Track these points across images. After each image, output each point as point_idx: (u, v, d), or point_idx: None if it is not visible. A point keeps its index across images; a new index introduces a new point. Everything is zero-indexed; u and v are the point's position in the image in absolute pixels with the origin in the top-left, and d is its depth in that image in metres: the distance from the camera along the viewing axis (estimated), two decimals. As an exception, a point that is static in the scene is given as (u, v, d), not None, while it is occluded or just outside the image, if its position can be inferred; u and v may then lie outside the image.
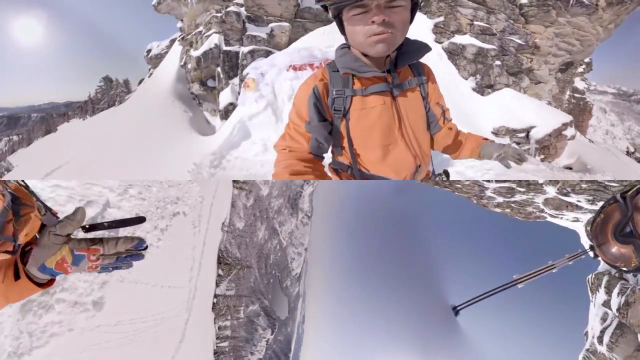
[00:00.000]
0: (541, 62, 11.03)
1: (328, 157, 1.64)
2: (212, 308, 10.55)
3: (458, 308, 15.06)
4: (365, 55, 1.35)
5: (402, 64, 1.41)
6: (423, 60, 1.51)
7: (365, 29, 1.22)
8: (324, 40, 10.03)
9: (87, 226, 1.16)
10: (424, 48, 1.43)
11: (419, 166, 1.49)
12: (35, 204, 1.20)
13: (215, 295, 10.63)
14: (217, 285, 10.69)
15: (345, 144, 1.45)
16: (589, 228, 1.07)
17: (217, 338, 11.07)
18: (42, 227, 1.52)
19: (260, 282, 16.80)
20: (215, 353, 10.97)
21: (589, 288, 5.43)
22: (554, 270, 8.04)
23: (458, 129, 1.70)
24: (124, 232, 4.09)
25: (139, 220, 1.35)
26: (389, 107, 1.40)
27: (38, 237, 1.00)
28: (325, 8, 1.29)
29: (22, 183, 1.33)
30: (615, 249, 0.93)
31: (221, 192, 10.12)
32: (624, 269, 0.95)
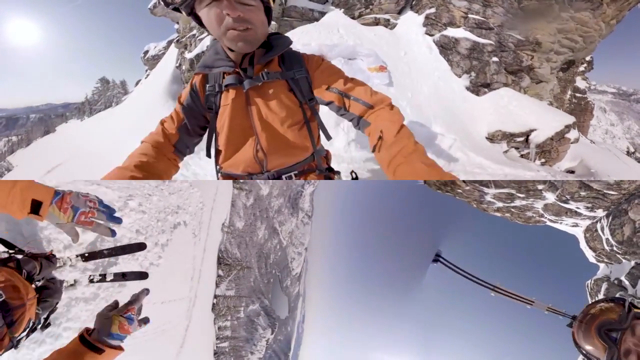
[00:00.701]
0: (542, 59, 10.64)
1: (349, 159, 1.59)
2: (212, 309, 10.52)
3: (441, 259, 14.44)
4: (232, 50, 1.32)
5: (263, 60, 1.36)
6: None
7: (222, 20, 1.18)
8: (301, 38, 9.58)
9: (87, 254, 1.16)
10: (286, 43, 1.42)
11: (262, 160, 1.41)
12: (25, 292, 1.20)
13: (215, 296, 10.59)
14: (217, 285, 10.64)
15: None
16: (590, 302, 1.11)
17: (217, 338, 11.07)
18: (39, 291, 1.53)
19: (261, 282, 16.81)
20: (215, 353, 10.98)
21: (588, 293, 5.44)
22: (528, 306, 8.26)
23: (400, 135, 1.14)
24: (123, 257, 4.01)
25: (140, 247, 1.36)
26: (241, 101, 1.37)
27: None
28: (177, 10, 1.25)
29: (8, 254, 1.33)
30: (590, 343, 0.98)
31: (221, 194, 10.07)
32: (587, 355, 0.99)
